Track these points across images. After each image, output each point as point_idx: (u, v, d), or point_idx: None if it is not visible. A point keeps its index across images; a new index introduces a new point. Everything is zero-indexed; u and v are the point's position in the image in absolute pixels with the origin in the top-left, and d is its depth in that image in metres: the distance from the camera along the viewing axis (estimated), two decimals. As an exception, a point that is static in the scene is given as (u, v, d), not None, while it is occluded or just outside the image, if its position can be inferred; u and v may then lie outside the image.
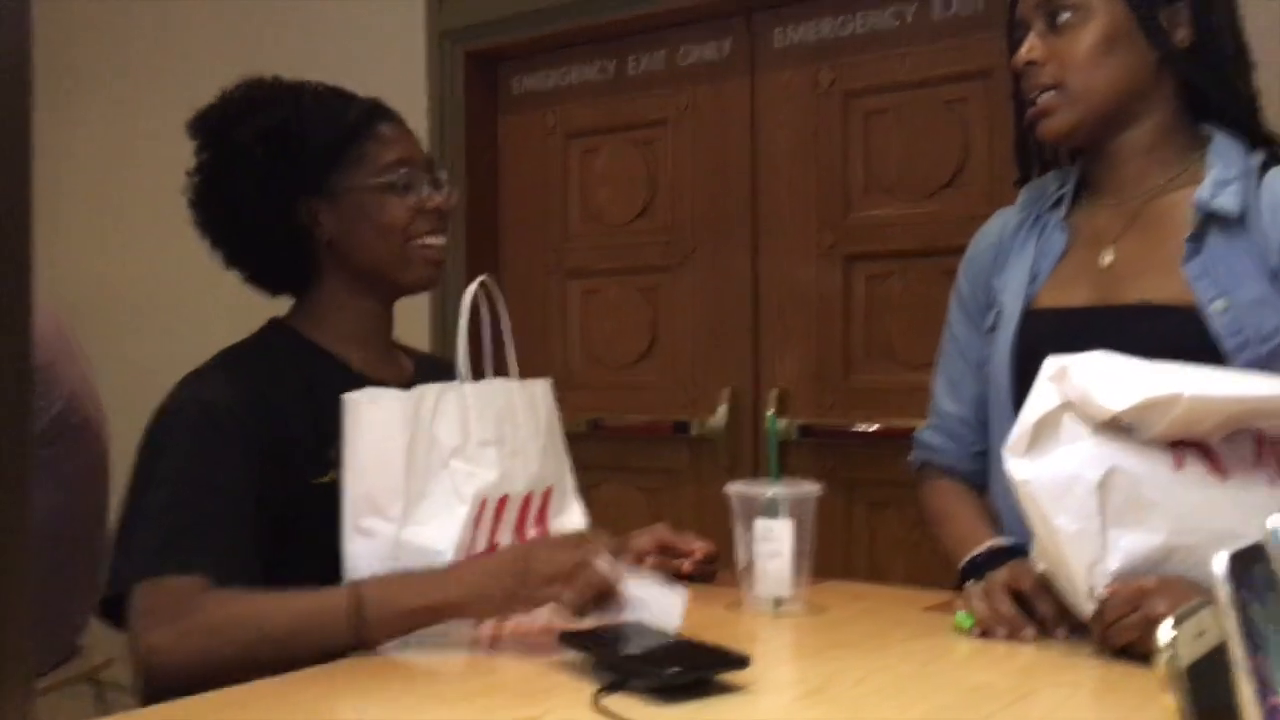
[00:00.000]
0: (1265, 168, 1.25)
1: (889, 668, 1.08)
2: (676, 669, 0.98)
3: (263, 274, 1.40)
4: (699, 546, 1.49)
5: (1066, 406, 1.08)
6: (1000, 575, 1.21)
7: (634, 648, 1.04)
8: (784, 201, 2.55)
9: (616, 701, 0.95)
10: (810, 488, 1.31)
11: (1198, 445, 1.10)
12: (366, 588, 1.16)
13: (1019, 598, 1.18)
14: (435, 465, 1.25)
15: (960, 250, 2.31)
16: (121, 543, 1.22)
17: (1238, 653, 0.55)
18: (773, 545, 1.29)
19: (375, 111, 1.38)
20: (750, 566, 1.31)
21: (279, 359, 1.33)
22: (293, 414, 1.28)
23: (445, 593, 1.15)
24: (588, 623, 1.14)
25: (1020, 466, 1.09)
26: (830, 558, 2.40)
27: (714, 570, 1.50)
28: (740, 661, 1.01)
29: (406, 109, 1.44)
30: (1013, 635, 1.16)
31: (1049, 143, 1.35)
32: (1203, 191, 1.23)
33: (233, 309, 1.47)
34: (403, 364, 1.46)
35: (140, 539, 1.20)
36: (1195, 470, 1.09)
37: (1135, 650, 1.04)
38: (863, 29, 2.45)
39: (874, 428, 2.40)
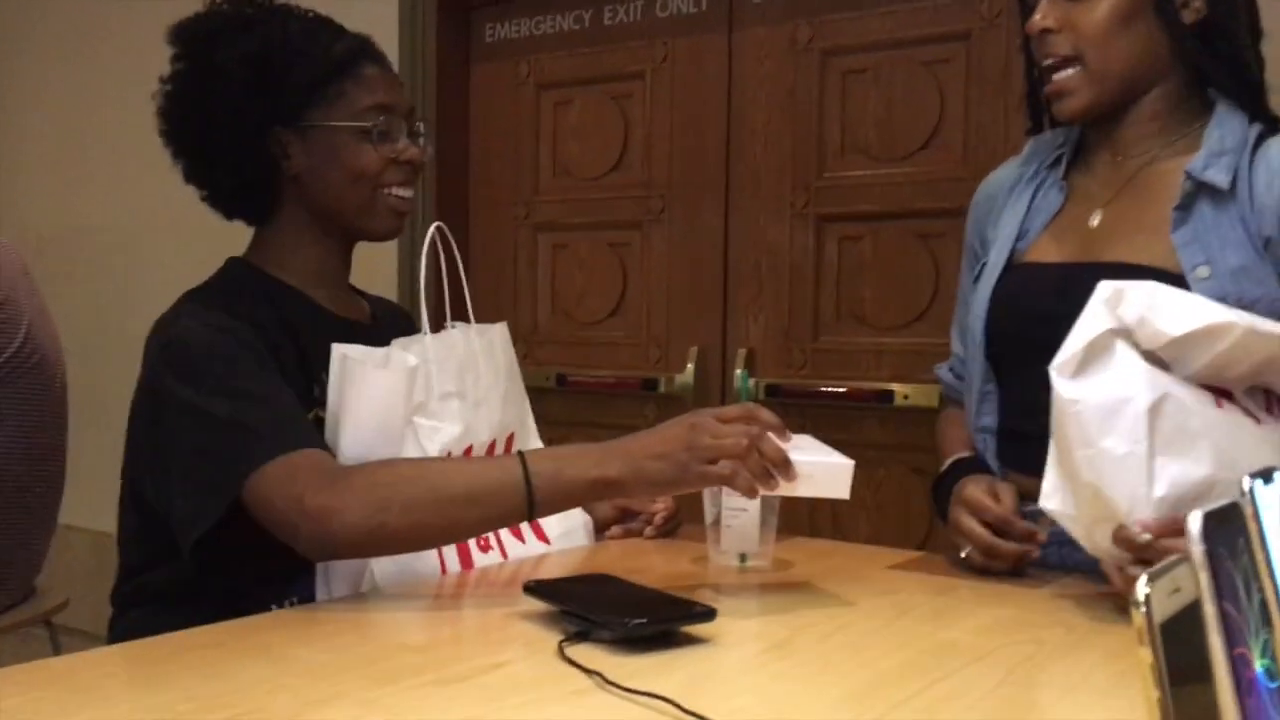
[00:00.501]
0: (1261, 139, 1.25)
1: (853, 624, 1.08)
2: (641, 620, 0.97)
3: (222, 196, 1.36)
4: (659, 508, 1.48)
5: (1118, 332, 1.06)
6: (964, 518, 1.25)
7: (599, 598, 1.03)
8: (758, 160, 2.53)
9: (581, 651, 0.95)
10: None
11: (1226, 392, 1.11)
12: (533, 461, 1.12)
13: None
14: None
15: (932, 213, 2.33)
16: (206, 461, 1.14)
17: (1210, 610, 0.55)
18: (740, 501, 1.29)
19: (362, 51, 1.34)
20: (717, 522, 1.31)
21: (251, 296, 1.30)
22: (281, 347, 1.26)
23: (607, 469, 1.11)
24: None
25: (1069, 387, 1.06)
26: (795, 517, 2.42)
27: (676, 526, 1.50)
28: (706, 614, 1.01)
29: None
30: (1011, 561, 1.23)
31: (1065, 121, 1.35)
32: (1195, 162, 1.24)
33: (193, 251, 1.44)
34: (361, 305, 1.44)
35: (236, 442, 1.13)
36: (1233, 410, 1.10)
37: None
38: (843, -14, 2.43)
39: (842, 389, 2.41)
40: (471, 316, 1.40)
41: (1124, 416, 1.03)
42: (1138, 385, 1.04)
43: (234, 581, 1.19)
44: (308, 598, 1.21)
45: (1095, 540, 1.09)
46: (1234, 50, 1.28)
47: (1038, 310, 1.28)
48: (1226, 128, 1.26)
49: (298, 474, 1.11)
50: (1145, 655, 0.51)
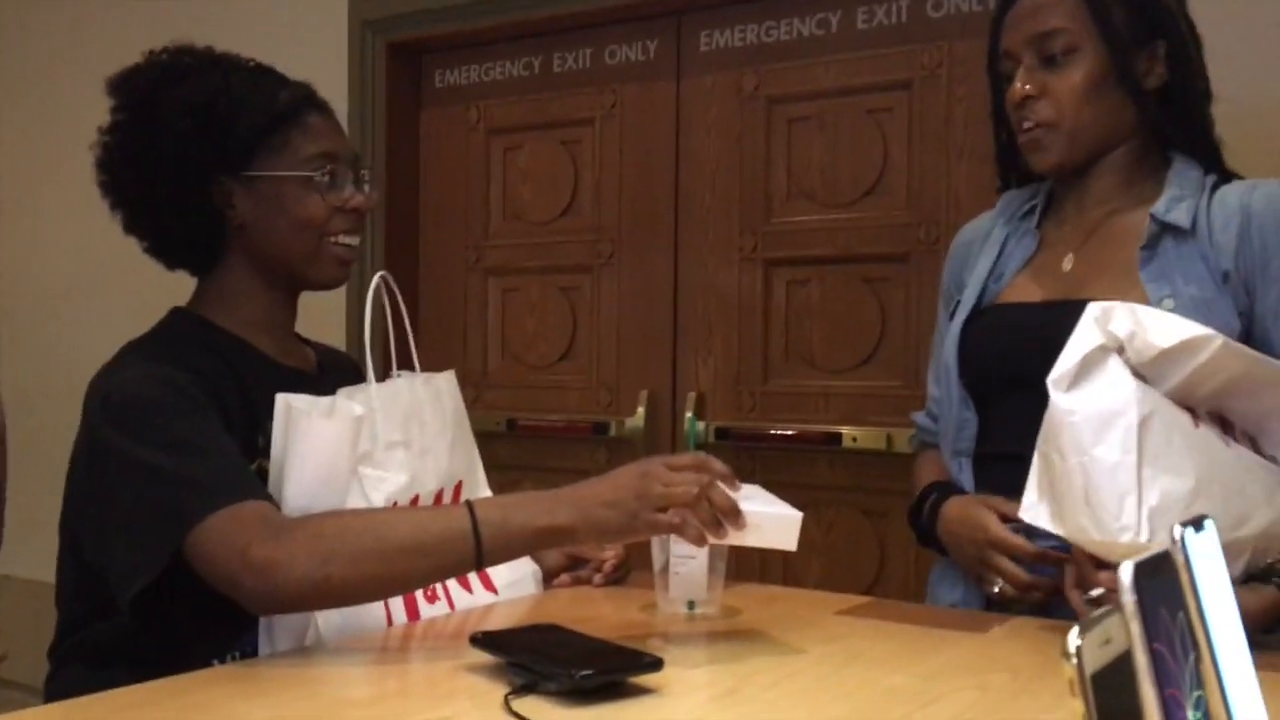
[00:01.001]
0: (1216, 187, 1.35)
1: (802, 671, 1.08)
2: (588, 671, 0.97)
3: (164, 246, 1.35)
4: (608, 555, 1.48)
5: (1109, 348, 1.13)
6: (973, 535, 1.32)
7: (545, 649, 1.03)
8: (707, 205, 2.56)
9: (527, 704, 0.94)
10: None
11: (1193, 414, 1.17)
12: (481, 510, 1.11)
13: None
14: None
15: (877, 258, 2.36)
16: (147, 513, 1.12)
17: (1141, 659, 0.56)
18: (688, 548, 1.29)
19: (306, 99, 1.33)
20: (666, 569, 1.31)
21: (196, 344, 1.28)
22: (225, 398, 1.24)
23: (556, 516, 1.10)
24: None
25: (1064, 399, 1.13)
26: (746, 560, 2.42)
27: (625, 574, 1.50)
28: (653, 664, 1.00)
29: (327, 98, 1.41)
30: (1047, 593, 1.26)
31: (1040, 173, 1.45)
32: (1159, 206, 1.34)
33: (138, 299, 1.43)
34: (307, 354, 1.43)
35: (177, 495, 1.11)
36: (1208, 430, 1.18)
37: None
38: (788, 36, 2.47)
39: (791, 431, 2.42)
40: (417, 365, 1.40)
41: (1115, 428, 1.10)
42: (1130, 399, 1.11)
43: (174, 637, 1.17)
44: (251, 653, 1.19)
45: (1081, 545, 1.15)
46: (1191, 112, 1.38)
47: (1023, 344, 1.35)
48: (1184, 177, 1.36)
49: (241, 527, 1.10)
50: (1077, 707, 0.52)
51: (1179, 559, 0.64)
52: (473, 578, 1.35)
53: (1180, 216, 1.32)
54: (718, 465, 1.13)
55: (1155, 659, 0.56)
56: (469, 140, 2.87)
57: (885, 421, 2.31)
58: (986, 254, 1.48)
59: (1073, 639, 0.52)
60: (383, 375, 1.33)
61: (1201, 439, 1.15)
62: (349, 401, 1.24)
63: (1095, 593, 1.13)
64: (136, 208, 1.32)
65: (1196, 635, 0.62)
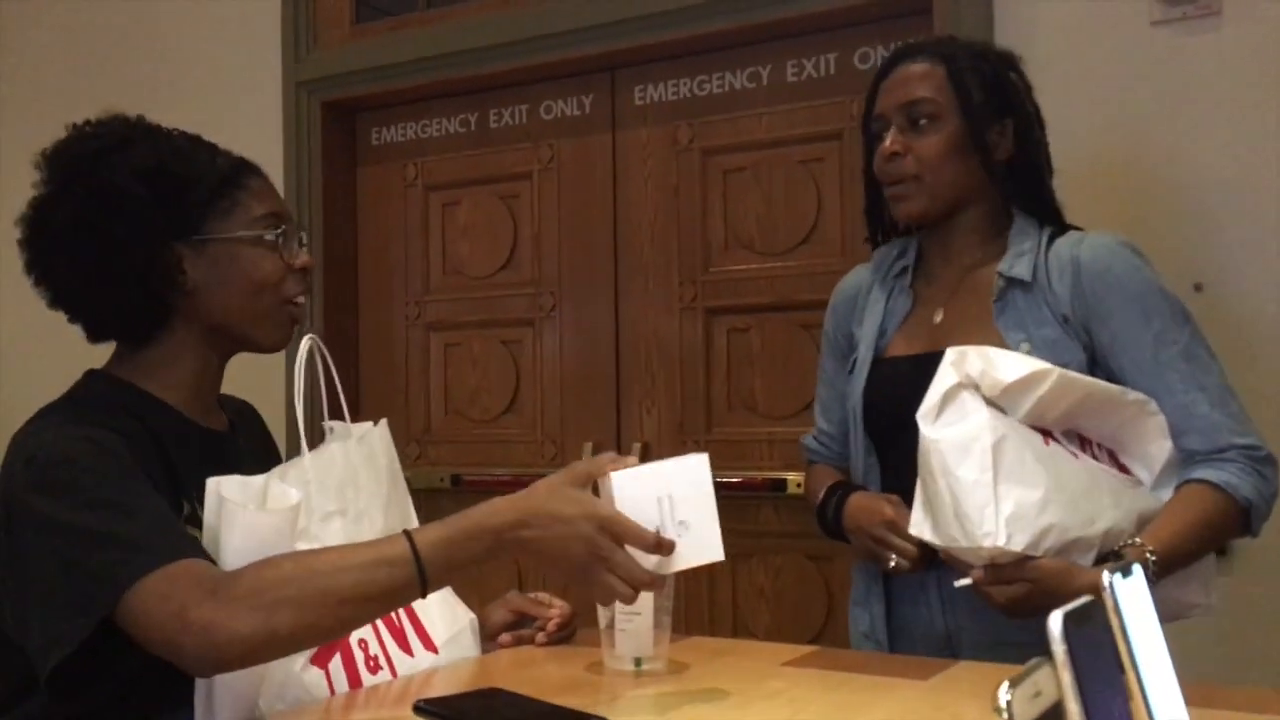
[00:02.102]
0: (1054, 239, 1.52)
1: (748, 726, 1.08)
2: (534, 736, 0.96)
3: (99, 318, 1.29)
4: (554, 613, 1.46)
5: (964, 385, 1.34)
6: (871, 520, 1.50)
7: (490, 715, 1.02)
8: (646, 255, 2.58)
9: (473, 773, 0.93)
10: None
11: (1047, 433, 1.38)
12: (420, 539, 1.08)
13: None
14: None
15: (815, 305, 2.38)
16: (70, 578, 1.08)
17: (1073, 708, 0.57)
18: (633, 606, 1.28)
19: (243, 164, 1.33)
20: (611, 625, 1.30)
21: (112, 407, 1.24)
22: (147, 459, 1.21)
23: (501, 548, 1.10)
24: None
25: (931, 430, 1.34)
26: (694, 609, 2.41)
27: (572, 631, 1.48)
28: (599, 726, 0.99)
29: (264, 158, 1.40)
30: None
31: (903, 222, 1.63)
32: (1004, 264, 1.52)
33: (59, 361, 1.39)
34: (220, 414, 1.39)
35: (105, 557, 1.07)
36: (1057, 446, 1.39)
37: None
38: (720, 89, 2.51)
39: (737, 479, 2.43)
40: (347, 416, 1.38)
41: (972, 452, 1.31)
42: (983, 426, 1.32)
43: (102, 717, 1.14)
44: None
45: (954, 552, 1.35)
46: (1033, 180, 1.57)
47: (900, 394, 1.48)
48: (1024, 233, 1.54)
49: (176, 587, 1.05)
50: (1010, 762, 0.52)
51: (1108, 604, 0.65)
52: (412, 638, 1.33)
53: (1022, 270, 1.50)
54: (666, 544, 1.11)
55: (1088, 707, 0.57)
56: (407, 197, 2.87)
57: (828, 466, 2.32)
58: (872, 311, 1.65)
59: (1003, 694, 0.53)
60: (313, 440, 1.30)
61: (1051, 455, 1.36)
62: (283, 485, 1.21)
63: (961, 582, 1.35)
64: (70, 282, 1.27)
65: (1128, 681, 0.63)
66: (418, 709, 1.05)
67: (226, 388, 1.40)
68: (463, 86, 2.75)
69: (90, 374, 1.31)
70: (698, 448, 2.50)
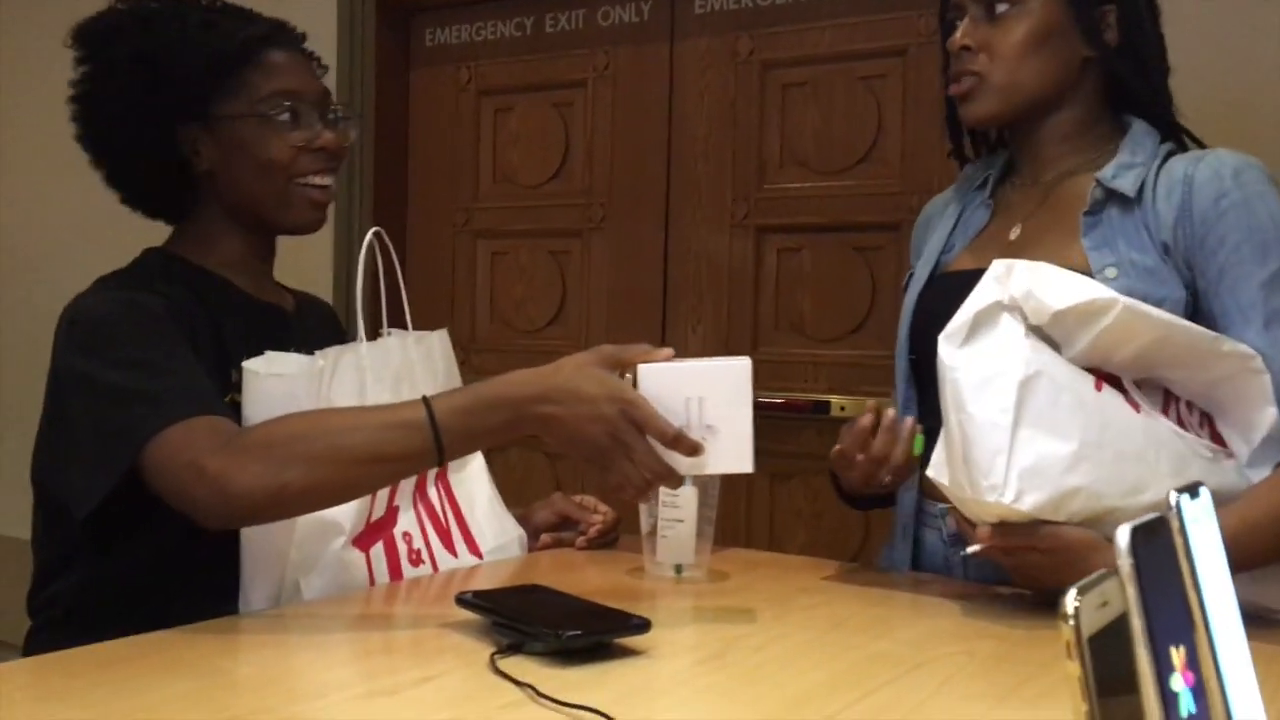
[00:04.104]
0: (1170, 155, 1.31)
1: (788, 635, 1.08)
2: (575, 631, 0.96)
3: (139, 196, 1.34)
4: (598, 518, 1.47)
5: (1005, 305, 1.11)
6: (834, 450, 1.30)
7: (532, 609, 1.02)
8: (699, 171, 2.54)
9: (513, 664, 0.93)
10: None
11: (1111, 379, 1.15)
12: (438, 406, 1.07)
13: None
14: None
15: (869, 227, 2.35)
16: (100, 431, 1.10)
17: (1137, 624, 0.56)
18: (676, 512, 1.28)
19: (268, 38, 1.29)
20: (653, 532, 1.30)
21: (167, 278, 1.26)
22: (198, 328, 1.23)
23: (518, 427, 1.09)
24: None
25: (952, 354, 1.11)
26: (732, 526, 2.42)
27: (615, 538, 1.49)
28: (640, 625, 1.00)
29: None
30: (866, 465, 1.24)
31: (970, 126, 1.43)
32: (1105, 171, 1.30)
33: (120, 253, 1.40)
34: (284, 295, 1.41)
35: (131, 411, 1.09)
36: (1112, 395, 1.14)
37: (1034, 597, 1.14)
38: (783, 0, 2.44)
39: (779, 399, 2.42)
40: (410, 324, 1.38)
41: (993, 387, 1.08)
42: (1014, 359, 1.08)
43: (153, 595, 1.16)
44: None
45: (967, 507, 1.12)
46: (1145, 77, 1.34)
47: (952, 313, 1.28)
48: (1139, 143, 1.32)
49: (193, 438, 1.07)
50: (1073, 669, 0.51)
51: (1174, 524, 0.64)
52: (458, 540, 1.34)
53: (1125, 184, 1.28)
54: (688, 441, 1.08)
55: (1151, 622, 0.56)
56: (459, 101, 2.84)
57: (874, 391, 2.30)
58: (941, 227, 1.46)
59: (1070, 600, 0.52)
60: (372, 335, 1.31)
61: (1100, 403, 1.11)
62: (307, 357, 1.22)
63: (971, 549, 1.12)
64: (110, 160, 1.31)
65: (1189, 601, 0.62)
66: (460, 600, 1.05)
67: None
68: (520, -11, 2.70)
69: (147, 250, 1.33)
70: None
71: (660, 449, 1.06)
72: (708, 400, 1.08)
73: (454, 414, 1.07)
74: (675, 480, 1.10)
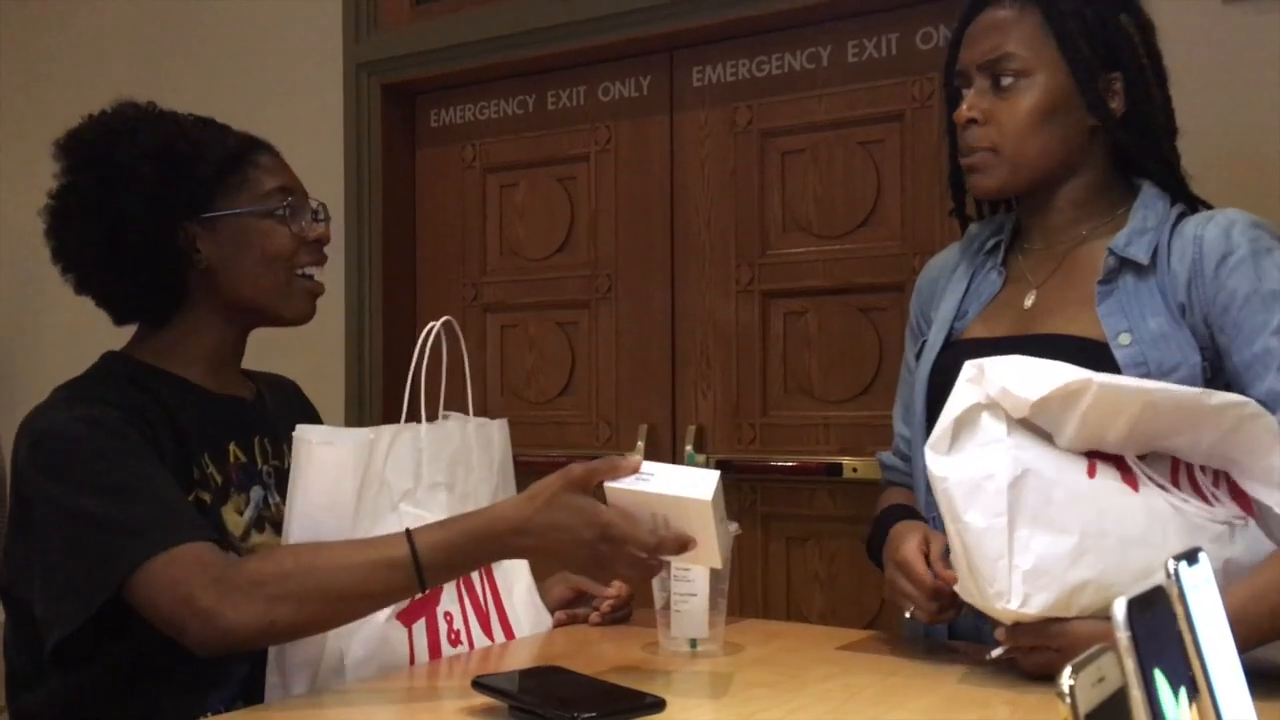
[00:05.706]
0: (1181, 218, 1.32)
1: (805, 708, 1.08)
2: (590, 714, 0.97)
3: (122, 301, 1.34)
4: (611, 593, 1.47)
5: (984, 405, 1.11)
6: (888, 555, 1.28)
7: (548, 691, 1.03)
8: (703, 238, 2.57)
9: (530, 748, 0.94)
10: (727, 527, 1.31)
11: (1112, 459, 1.14)
12: (418, 536, 1.13)
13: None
14: (384, 508, 1.23)
15: (873, 289, 2.38)
16: (74, 561, 1.13)
17: (1137, 697, 0.56)
18: (689, 585, 1.29)
19: (253, 141, 1.37)
20: (667, 606, 1.31)
21: (123, 383, 1.29)
22: (158, 430, 1.25)
23: (505, 547, 1.16)
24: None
25: (939, 463, 1.11)
26: (749, 593, 2.41)
27: (628, 613, 1.49)
28: (655, 704, 1.00)
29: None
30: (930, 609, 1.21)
31: (979, 198, 1.44)
32: (1118, 240, 1.30)
33: (82, 346, 1.42)
34: (246, 386, 1.43)
35: (109, 542, 1.12)
36: (1108, 478, 1.12)
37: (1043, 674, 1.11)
38: (779, 70, 2.49)
39: (791, 463, 2.42)
40: (471, 409, 1.40)
41: (984, 492, 1.08)
42: (1000, 461, 1.08)
43: (148, 692, 1.17)
44: (232, 704, 1.20)
45: (973, 604, 1.13)
46: (1153, 141, 1.35)
47: None
48: (1151, 208, 1.32)
49: (183, 572, 1.11)
50: (1072, 747, 0.52)
51: (1172, 592, 0.64)
52: (495, 624, 1.35)
53: (1139, 251, 1.28)
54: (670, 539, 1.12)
55: (1150, 695, 0.57)
56: (465, 178, 2.89)
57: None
58: (952, 291, 1.45)
59: (1066, 678, 0.53)
60: (431, 416, 1.32)
61: (1095, 490, 1.10)
62: (362, 430, 1.24)
63: (995, 653, 1.12)
64: (94, 266, 1.32)
65: (1192, 668, 0.62)
66: (476, 684, 1.06)
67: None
68: (521, 68, 2.75)
69: (105, 355, 1.35)
70: (753, 431, 2.51)
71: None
72: (674, 520, 1.12)
73: (435, 550, 1.13)
74: (664, 565, 1.16)
